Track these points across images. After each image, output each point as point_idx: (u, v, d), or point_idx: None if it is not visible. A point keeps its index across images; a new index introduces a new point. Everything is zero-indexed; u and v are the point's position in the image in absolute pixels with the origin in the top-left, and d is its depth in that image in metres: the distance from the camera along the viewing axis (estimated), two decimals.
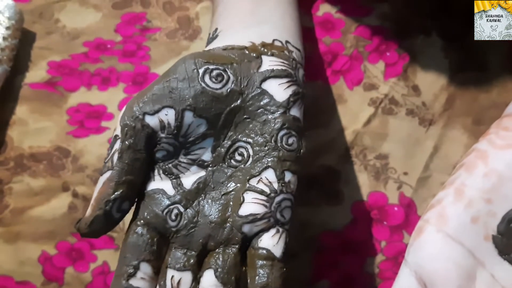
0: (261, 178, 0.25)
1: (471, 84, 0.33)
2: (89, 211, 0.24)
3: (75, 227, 0.25)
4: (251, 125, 0.26)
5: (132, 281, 0.24)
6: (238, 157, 0.26)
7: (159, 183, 0.26)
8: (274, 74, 0.26)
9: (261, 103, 0.26)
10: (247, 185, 0.25)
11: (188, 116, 0.25)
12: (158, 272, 0.25)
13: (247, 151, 0.26)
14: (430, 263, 0.23)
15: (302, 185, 0.32)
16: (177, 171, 0.26)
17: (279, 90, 0.26)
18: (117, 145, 0.25)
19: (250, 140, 0.26)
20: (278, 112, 0.25)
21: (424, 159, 0.32)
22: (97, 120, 0.36)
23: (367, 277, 0.30)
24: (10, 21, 0.38)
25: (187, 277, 0.24)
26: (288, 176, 0.25)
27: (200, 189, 0.26)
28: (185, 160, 0.26)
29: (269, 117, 0.25)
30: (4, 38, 0.37)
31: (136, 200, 0.26)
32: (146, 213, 0.25)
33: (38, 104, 0.37)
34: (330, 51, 0.36)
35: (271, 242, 0.24)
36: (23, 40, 0.39)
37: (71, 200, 0.34)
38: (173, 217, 0.25)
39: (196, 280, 0.24)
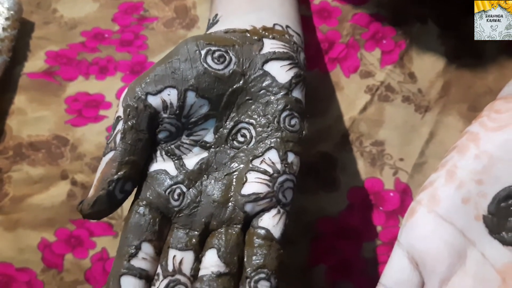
0: (264, 158, 0.25)
1: (467, 71, 0.34)
2: (91, 191, 0.24)
3: (78, 208, 0.25)
4: (253, 106, 0.26)
5: (134, 262, 0.24)
6: (241, 138, 0.26)
7: (162, 164, 0.26)
8: (276, 56, 0.26)
9: (263, 84, 0.26)
10: (250, 165, 0.25)
11: (191, 97, 0.25)
12: (159, 253, 0.25)
13: (250, 132, 0.26)
14: (421, 243, 0.23)
15: (300, 172, 0.33)
16: (180, 152, 0.26)
17: (281, 72, 0.26)
18: (120, 126, 0.25)
19: (252, 121, 0.26)
20: (281, 94, 0.26)
21: (420, 145, 0.32)
22: (95, 109, 0.36)
23: (364, 261, 0.31)
24: (9, 12, 0.38)
25: (189, 256, 0.24)
26: (291, 157, 0.25)
27: (203, 169, 0.26)
28: (187, 141, 0.26)
29: (272, 98, 0.26)
30: (4, 29, 0.37)
31: (139, 181, 0.26)
32: (148, 193, 0.25)
33: (36, 93, 0.37)
34: (326, 39, 0.36)
35: (271, 222, 0.24)
36: (22, 30, 0.39)
37: (70, 188, 0.34)
38: (176, 197, 0.25)
39: (198, 260, 0.24)
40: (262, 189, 0.24)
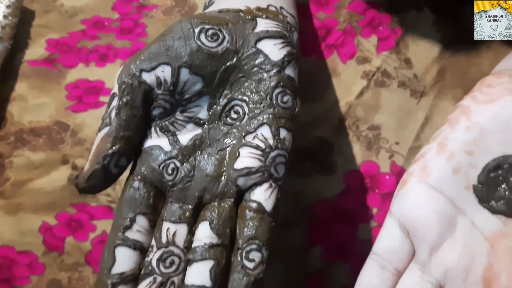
0: (256, 134, 0.25)
1: (462, 57, 0.34)
2: (87, 166, 0.25)
3: (73, 182, 0.25)
4: (246, 84, 0.26)
5: (128, 233, 0.24)
6: (234, 115, 0.26)
7: (156, 140, 0.26)
8: (269, 35, 0.27)
9: (256, 62, 0.26)
10: (243, 141, 0.25)
11: (184, 73, 0.26)
12: (154, 226, 0.25)
13: (243, 109, 0.26)
14: (412, 211, 0.24)
15: (296, 157, 0.33)
16: (174, 128, 0.26)
17: (274, 50, 0.26)
18: (115, 102, 0.26)
19: (245, 98, 0.26)
20: (273, 71, 0.26)
21: (415, 129, 0.33)
22: (96, 95, 0.37)
23: (360, 243, 0.31)
24: (10, 0, 0.38)
25: (182, 229, 0.25)
26: (283, 133, 0.26)
27: (197, 145, 0.26)
28: (181, 118, 0.26)
29: (264, 75, 0.26)
30: (5, 16, 0.38)
31: (133, 157, 0.26)
32: (143, 168, 0.26)
33: (37, 80, 0.37)
34: (324, 26, 0.36)
35: (263, 196, 0.25)
36: (22, 19, 0.39)
37: (71, 172, 0.35)
38: (170, 172, 0.26)
39: (191, 232, 0.25)
40: (254, 163, 0.25)
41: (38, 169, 0.35)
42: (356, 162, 0.33)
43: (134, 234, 0.25)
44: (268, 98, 0.26)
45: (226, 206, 0.25)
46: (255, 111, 0.26)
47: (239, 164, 0.25)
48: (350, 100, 0.34)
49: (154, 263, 0.24)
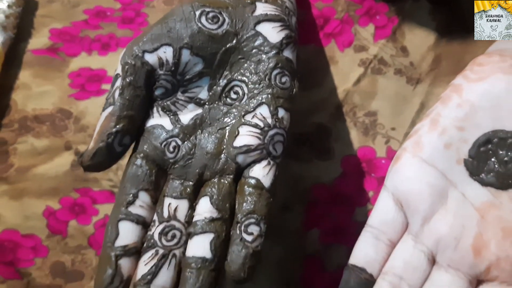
0: (255, 113, 0.26)
1: (457, 45, 0.35)
2: (91, 144, 0.26)
3: (78, 161, 0.26)
4: (245, 65, 0.27)
5: (131, 208, 0.25)
6: (234, 95, 0.27)
7: (158, 120, 0.27)
8: (267, 18, 0.27)
9: (255, 44, 0.27)
10: (242, 120, 0.26)
11: (185, 54, 0.27)
12: (156, 202, 0.26)
13: (242, 89, 0.27)
14: (405, 184, 0.25)
15: (295, 142, 0.34)
16: (175, 108, 0.27)
17: (272, 32, 0.27)
18: (118, 83, 0.26)
19: (245, 78, 0.27)
20: (272, 53, 0.27)
21: (411, 115, 0.34)
22: (98, 83, 0.37)
23: (356, 225, 0.32)
24: None
25: (183, 205, 0.26)
26: (281, 113, 0.26)
27: (197, 124, 0.27)
28: (182, 98, 0.27)
29: (263, 57, 0.27)
30: (9, 6, 0.38)
31: (136, 136, 0.27)
32: (145, 146, 0.27)
33: (40, 69, 0.38)
34: (322, 15, 0.37)
35: (261, 172, 0.25)
36: (26, 9, 0.40)
37: (74, 158, 0.35)
38: (171, 149, 0.26)
39: (192, 208, 0.26)
40: (253, 141, 0.26)
41: (41, 155, 0.36)
42: (353, 147, 0.33)
43: (136, 209, 0.25)
44: (266, 79, 0.26)
45: (226, 182, 0.26)
46: (254, 91, 0.27)
47: (239, 142, 0.26)
48: (347, 87, 0.35)
49: (156, 236, 0.25)
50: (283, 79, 0.27)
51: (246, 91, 0.27)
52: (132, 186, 0.26)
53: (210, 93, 0.27)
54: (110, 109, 0.26)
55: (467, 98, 0.25)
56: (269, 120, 0.26)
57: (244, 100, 0.27)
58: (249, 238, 0.24)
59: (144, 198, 0.26)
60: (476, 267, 0.24)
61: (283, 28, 0.27)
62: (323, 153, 0.33)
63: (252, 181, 0.25)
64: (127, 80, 0.26)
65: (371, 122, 0.34)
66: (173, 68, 0.27)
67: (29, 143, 0.36)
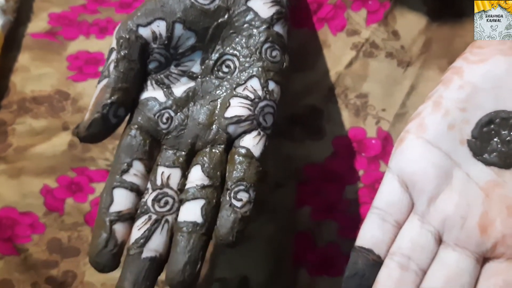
0: (246, 86, 0.27)
1: (447, 29, 0.35)
2: (87, 115, 0.26)
3: (74, 132, 0.27)
4: (237, 39, 0.28)
5: (125, 177, 0.26)
6: (225, 69, 0.28)
7: (152, 92, 0.28)
8: None
9: (246, 19, 0.28)
10: (234, 92, 0.27)
11: (178, 28, 0.27)
12: (149, 172, 0.27)
13: (234, 63, 0.28)
14: (410, 165, 0.25)
15: (288, 122, 0.35)
16: (168, 81, 0.28)
17: (263, 8, 0.28)
18: (113, 56, 0.27)
19: (236, 52, 0.28)
20: (263, 27, 0.28)
21: (401, 97, 0.34)
22: (95, 66, 0.38)
23: (346, 202, 0.32)
24: None
25: (176, 173, 0.26)
26: (271, 85, 0.27)
27: (190, 97, 0.28)
28: (175, 71, 0.28)
29: (254, 31, 0.28)
30: None
31: (131, 108, 0.28)
32: (139, 118, 0.27)
33: (39, 52, 0.39)
34: (315, 0, 0.37)
35: (251, 142, 0.26)
36: None
37: (71, 138, 0.36)
38: (164, 121, 0.27)
39: (184, 177, 0.27)
40: (243, 112, 0.26)
41: (39, 135, 0.36)
42: (344, 128, 0.34)
43: (131, 177, 0.26)
44: (257, 53, 0.27)
45: (217, 151, 0.26)
46: (245, 65, 0.27)
47: (230, 113, 0.27)
48: (339, 70, 0.35)
49: (149, 203, 0.26)
50: (274, 53, 0.27)
51: (237, 64, 0.28)
52: (127, 156, 0.26)
53: (203, 67, 0.28)
54: (105, 81, 0.27)
55: (468, 80, 0.26)
56: (260, 92, 0.27)
57: (235, 73, 0.28)
58: (238, 204, 0.25)
59: (138, 167, 0.26)
60: (483, 245, 0.24)
61: (273, 4, 0.28)
62: (315, 133, 0.34)
63: (242, 151, 0.26)
64: (122, 53, 0.27)
65: (362, 103, 0.34)
66: (166, 42, 0.27)
67: (27, 124, 0.37)
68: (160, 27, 0.27)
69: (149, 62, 0.28)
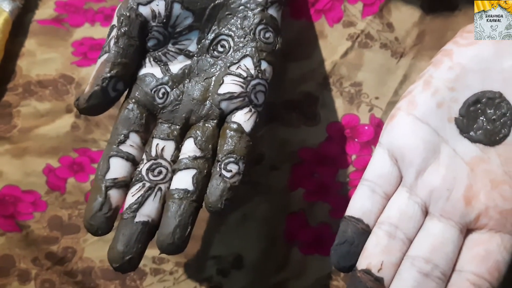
0: (239, 64, 0.28)
1: (440, 22, 0.36)
2: (87, 88, 0.28)
3: (75, 104, 0.28)
4: (232, 20, 0.29)
5: (122, 147, 0.27)
6: (220, 49, 0.29)
7: (150, 69, 0.29)
8: None
9: (242, 1, 0.29)
10: (227, 70, 0.28)
11: (176, 8, 0.29)
12: (145, 144, 0.28)
13: (228, 43, 0.29)
14: (400, 140, 0.26)
15: (284, 108, 0.36)
16: (166, 59, 0.29)
17: None
18: (114, 33, 0.28)
19: (231, 33, 0.29)
20: (257, 10, 0.29)
21: (394, 86, 0.35)
22: (99, 52, 0.38)
23: (339, 185, 0.34)
24: None
25: (170, 145, 0.28)
26: (264, 65, 0.28)
27: (186, 74, 0.29)
28: (173, 49, 0.29)
29: (249, 13, 0.29)
30: None
31: (129, 83, 0.29)
32: (137, 93, 0.29)
33: (45, 37, 0.40)
34: None
35: (243, 118, 0.27)
36: None
37: (74, 120, 0.37)
38: (160, 95, 0.28)
39: (178, 149, 0.28)
40: (236, 89, 0.28)
41: (43, 117, 0.38)
42: (338, 114, 0.35)
43: (127, 147, 0.27)
44: (251, 33, 0.28)
45: (210, 126, 0.28)
46: (239, 45, 0.29)
47: (223, 89, 0.28)
48: (335, 59, 0.37)
49: (143, 172, 0.27)
50: (267, 35, 0.29)
51: (232, 44, 0.29)
52: (124, 128, 0.28)
53: (199, 46, 0.29)
54: (105, 56, 0.28)
55: (458, 61, 0.27)
56: (252, 71, 0.28)
57: (229, 53, 0.29)
58: (227, 174, 0.26)
59: (134, 138, 0.28)
60: (467, 216, 0.25)
61: None
62: (310, 119, 0.35)
63: (234, 126, 0.27)
64: (122, 30, 0.28)
65: (356, 91, 0.36)
66: (164, 20, 0.29)
67: (32, 106, 0.38)
68: (159, 6, 0.29)
69: (148, 39, 0.29)
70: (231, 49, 0.29)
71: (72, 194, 0.36)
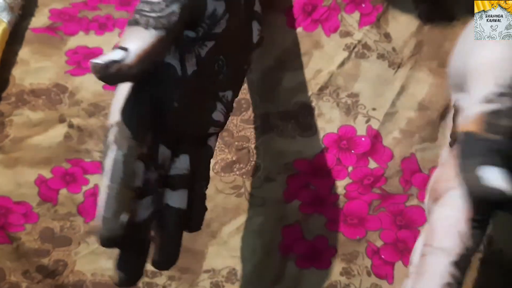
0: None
1: (438, 32, 0.36)
2: None
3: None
4: None
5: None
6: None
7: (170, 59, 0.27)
8: None
9: None
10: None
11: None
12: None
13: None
14: None
15: (280, 119, 0.35)
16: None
17: None
18: None
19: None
20: None
21: (391, 97, 0.35)
22: None
23: (335, 197, 0.33)
24: None
25: (168, 153, 0.27)
26: None
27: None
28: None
29: None
30: None
31: None
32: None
33: (39, 46, 0.40)
34: (310, 2, 0.38)
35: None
36: None
37: (67, 130, 0.37)
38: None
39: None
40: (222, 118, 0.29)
41: (36, 127, 0.37)
42: (335, 125, 0.35)
43: None
44: None
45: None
46: None
47: (215, 116, 0.28)
48: (332, 69, 0.36)
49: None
50: None
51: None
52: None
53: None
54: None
55: None
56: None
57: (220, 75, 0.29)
58: None
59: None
60: None
61: None
62: (306, 130, 0.35)
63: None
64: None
65: (353, 102, 0.35)
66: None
67: (25, 115, 0.37)
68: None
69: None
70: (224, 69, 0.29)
71: (64, 205, 0.35)
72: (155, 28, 0.25)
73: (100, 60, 0.23)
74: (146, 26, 0.25)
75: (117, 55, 0.24)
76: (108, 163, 0.24)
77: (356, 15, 0.38)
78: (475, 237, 0.23)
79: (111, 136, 0.25)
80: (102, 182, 0.24)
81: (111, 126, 0.25)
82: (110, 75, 0.24)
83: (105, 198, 0.24)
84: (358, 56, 0.36)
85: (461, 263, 0.22)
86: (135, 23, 0.25)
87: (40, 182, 0.36)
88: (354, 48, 0.37)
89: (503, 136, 0.22)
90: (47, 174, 0.36)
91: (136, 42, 0.24)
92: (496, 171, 0.21)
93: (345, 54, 0.37)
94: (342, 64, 0.36)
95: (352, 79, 0.36)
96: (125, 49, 0.24)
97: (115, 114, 0.25)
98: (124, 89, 0.26)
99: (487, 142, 0.22)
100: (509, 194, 0.21)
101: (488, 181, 0.21)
